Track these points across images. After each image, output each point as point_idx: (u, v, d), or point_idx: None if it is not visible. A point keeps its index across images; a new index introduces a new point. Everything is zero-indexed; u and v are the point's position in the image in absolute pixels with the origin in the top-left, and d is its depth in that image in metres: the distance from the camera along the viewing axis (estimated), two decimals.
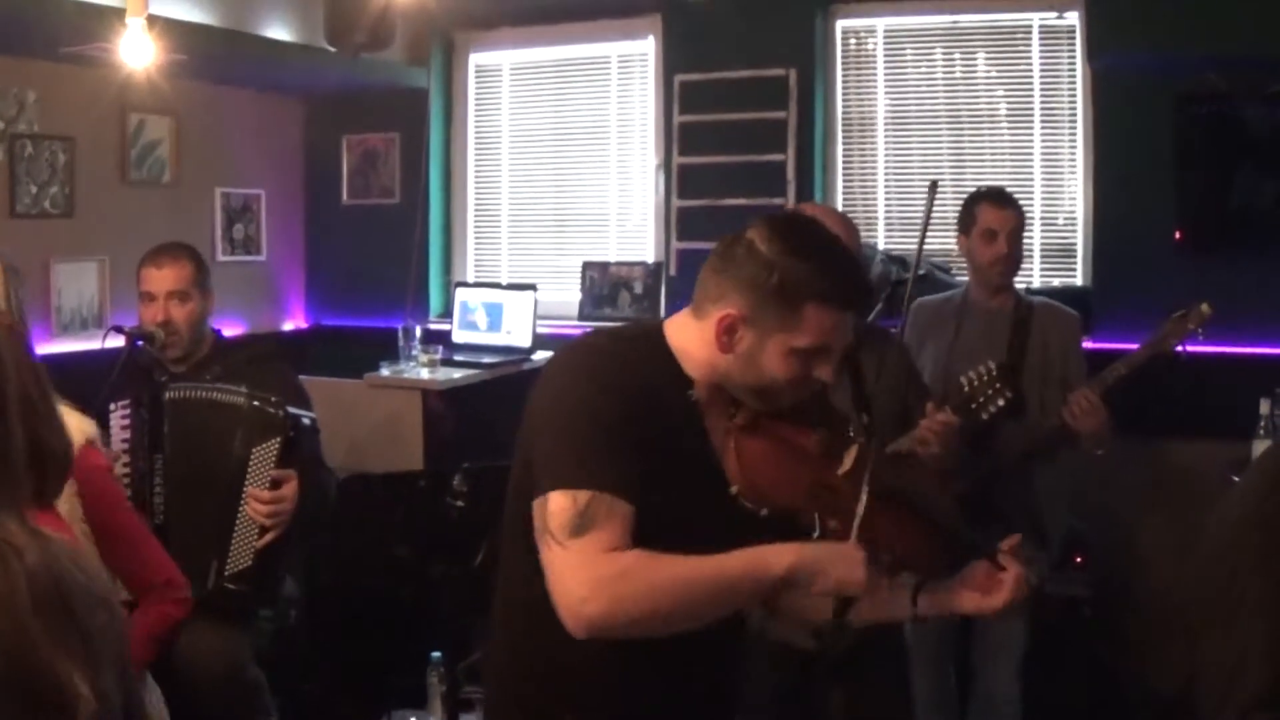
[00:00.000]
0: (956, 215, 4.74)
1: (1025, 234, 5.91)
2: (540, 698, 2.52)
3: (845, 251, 2.47)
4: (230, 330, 5.83)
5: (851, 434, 2.50)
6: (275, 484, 4.07)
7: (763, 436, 2.42)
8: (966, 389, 3.77)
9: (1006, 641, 4.50)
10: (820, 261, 2.38)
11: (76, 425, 3.06)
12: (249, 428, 4.12)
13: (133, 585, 3.30)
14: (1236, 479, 4.75)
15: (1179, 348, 4.03)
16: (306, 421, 4.28)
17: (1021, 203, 5.84)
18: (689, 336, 2.47)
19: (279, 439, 4.10)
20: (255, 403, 4.12)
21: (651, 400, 2.36)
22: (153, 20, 4.83)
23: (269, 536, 4.09)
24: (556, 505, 2.23)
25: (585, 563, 2.20)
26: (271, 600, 4.40)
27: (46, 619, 1.49)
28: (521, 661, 2.55)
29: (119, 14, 4.89)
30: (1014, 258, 4.62)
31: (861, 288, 2.49)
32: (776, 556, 2.29)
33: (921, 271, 4.75)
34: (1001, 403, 3.75)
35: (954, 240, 4.83)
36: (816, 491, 2.42)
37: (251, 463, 4.10)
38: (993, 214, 4.58)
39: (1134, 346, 4.28)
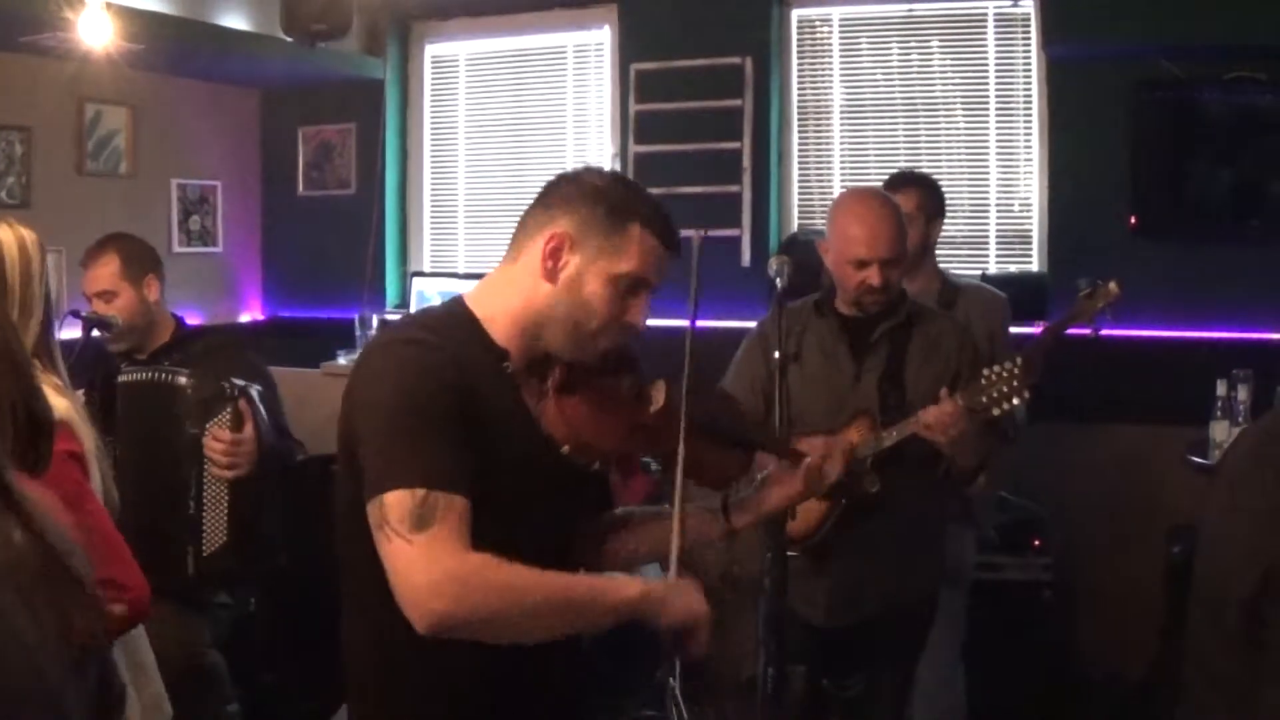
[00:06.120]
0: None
1: (982, 219, 6.11)
2: (387, 682, 2.48)
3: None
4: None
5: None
6: (237, 427, 4.06)
7: (579, 391, 2.45)
8: (984, 381, 3.57)
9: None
10: (642, 191, 2.48)
11: (60, 405, 2.93)
12: (199, 406, 4.10)
13: None
14: (1196, 460, 4.88)
15: (1089, 329, 3.75)
16: (254, 392, 4.23)
17: (977, 189, 6.06)
18: (497, 291, 2.48)
19: (228, 410, 4.08)
20: (200, 381, 4.11)
21: (468, 381, 2.33)
22: (109, 7, 4.81)
23: (230, 475, 4.06)
24: (395, 501, 2.18)
25: (433, 557, 2.17)
26: (261, 564, 4.37)
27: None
28: (367, 647, 2.49)
29: (75, 2, 4.86)
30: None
31: (676, 230, 2.50)
32: (625, 587, 2.34)
33: None
34: (1016, 401, 3.55)
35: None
36: (636, 432, 2.49)
37: (206, 440, 4.08)
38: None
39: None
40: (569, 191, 2.45)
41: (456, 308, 2.50)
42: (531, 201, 2.52)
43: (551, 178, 2.52)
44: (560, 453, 2.42)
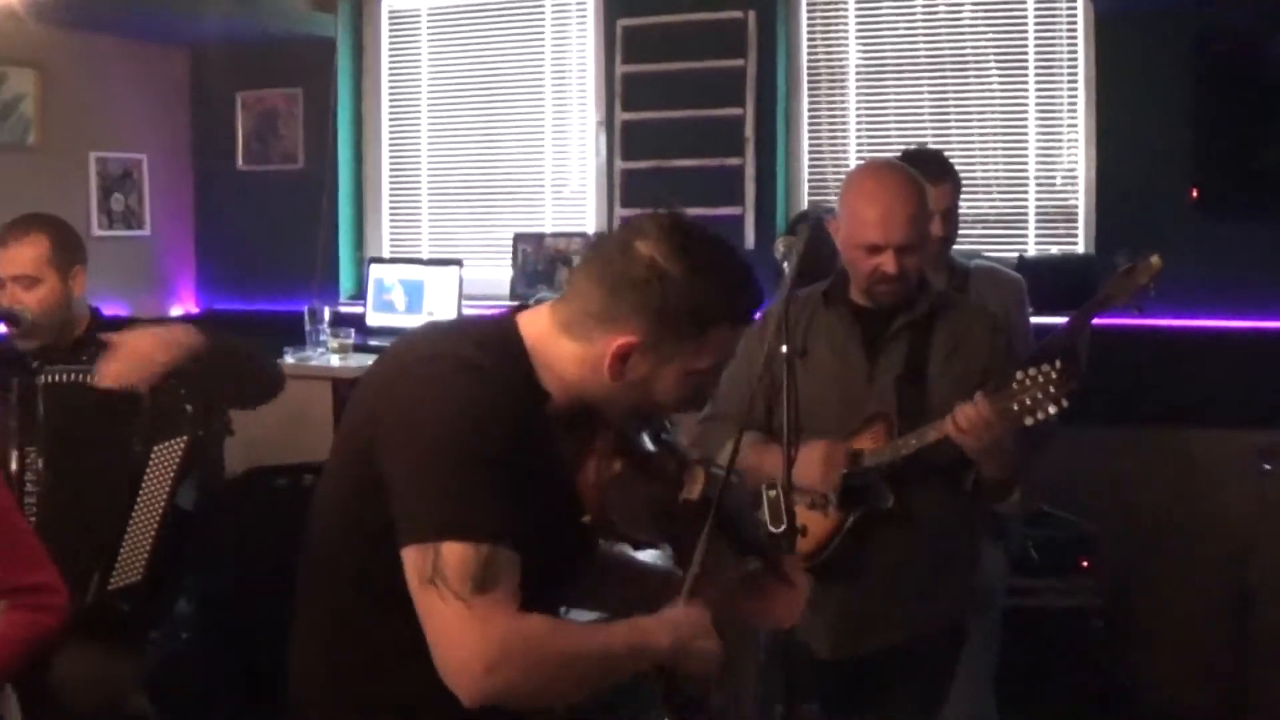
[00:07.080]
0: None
1: (1020, 195, 6.15)
2: (364, 700, 2.43)
3: (741, 259, 2.42)
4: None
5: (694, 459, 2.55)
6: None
7: (619, 464, 2.44)
8: (1015, 387, 3.37)
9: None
10: (728, 280, 2.37)
11: None
12: (151, 421, 3.96)
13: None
14: (1269, 467, 4.95)
15: (1134, 310, 3.69)
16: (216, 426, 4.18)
17: (1015, 160, 6.14)
18: (560, 355, 2.41)
19: (185, 439, 3.97)
20: (162, 393, 3.93)
21: (518, 421, 2.30)
22: None
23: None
24: (454, 555, 2.14)
25: (491, 625, 2.14)
26: (162, 620, 4.24)
27: None
28: (337, 664, 2.45)
29: None
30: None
31: (759, 297, 2.45)
32: (657, 636, 2.36)
33: None
34: (1053, 409, 3.30)
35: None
36: (662, 518, 2.51)
37: (151, 462, 3.94)
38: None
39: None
40: (642, 283, 2.30)
41: (510, 335, 2.43)
42: (589, 250, 2.48)
43: (614, 238, 2.43)
44: (579, 517, 2.42)
